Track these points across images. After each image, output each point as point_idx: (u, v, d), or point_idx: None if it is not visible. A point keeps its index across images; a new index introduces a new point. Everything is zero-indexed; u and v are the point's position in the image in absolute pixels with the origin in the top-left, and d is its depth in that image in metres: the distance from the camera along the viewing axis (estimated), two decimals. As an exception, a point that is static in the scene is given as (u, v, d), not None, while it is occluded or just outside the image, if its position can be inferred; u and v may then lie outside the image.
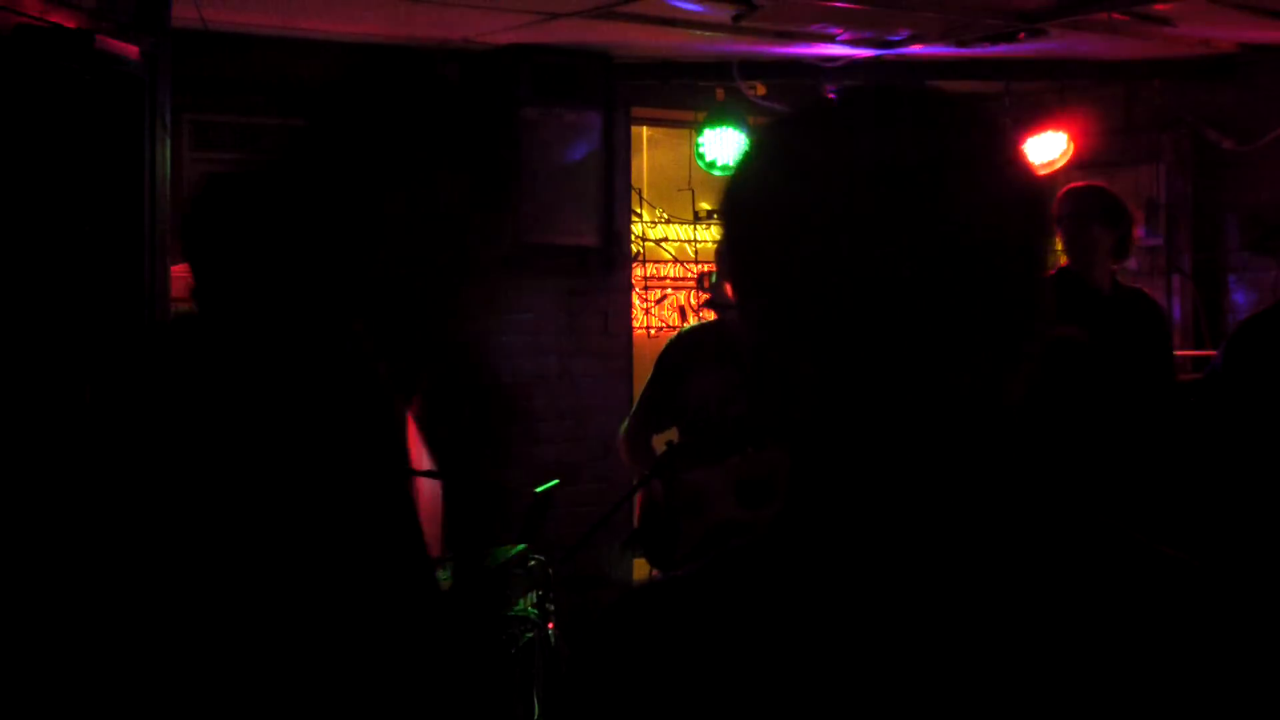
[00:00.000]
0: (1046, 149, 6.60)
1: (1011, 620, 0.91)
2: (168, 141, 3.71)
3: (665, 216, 7.45)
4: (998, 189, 0.96)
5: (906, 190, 0.93)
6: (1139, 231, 5.37)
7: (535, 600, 4.50)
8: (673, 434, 4.40)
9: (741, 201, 1.00)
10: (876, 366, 0.94)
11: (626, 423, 4.45)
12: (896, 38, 5.99)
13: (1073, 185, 5.03)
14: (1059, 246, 5.14)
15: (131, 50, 3.54)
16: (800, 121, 1.02)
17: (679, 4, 5.32)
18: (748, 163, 1.02)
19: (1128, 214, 4.83)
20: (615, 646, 0.97)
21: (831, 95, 1.04)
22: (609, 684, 0.96)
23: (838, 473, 0.96)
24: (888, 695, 0.90)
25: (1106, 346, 4.43)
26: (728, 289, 4.25)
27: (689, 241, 7.49)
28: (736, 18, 5.43)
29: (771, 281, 0.97)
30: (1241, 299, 6.47)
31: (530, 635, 4.27)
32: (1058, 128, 6.57)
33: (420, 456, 6.07)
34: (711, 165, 6.62)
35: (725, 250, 1.02)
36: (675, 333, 4.73)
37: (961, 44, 5.96)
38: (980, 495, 0.95)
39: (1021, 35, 5.73)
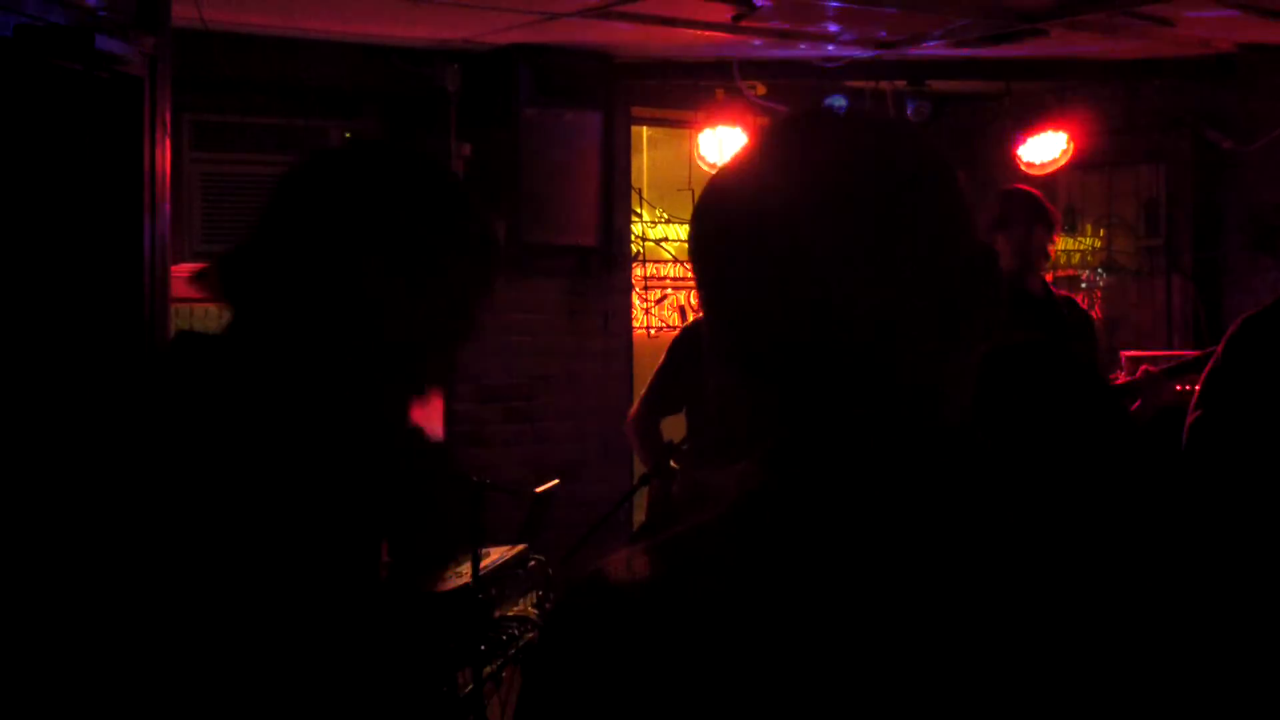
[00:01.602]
0: (1046, 149, 6.60)
1: (950, 575, 0.95)
2: (168, 141, 3.71)
3: (665, 216, 7.45)
4: (946, 210, 0.99)
5: (861, 214, 0.96)
6: (1056, 241, 5.37)
7: (535, 600, 4.51)
8: (677, 426, 4.40)
9: (704, 225, 1.05)
10: (828, 381, 0.97)
11: (635, 407, 4.45)
12: (897, 38, 5.99)
13: (1011, 188, 5.01)
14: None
15: (131, 50, 3.54)
16: (756, 149, 1.06)
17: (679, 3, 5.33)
18: (712, 189, 1.06)
19: (1058, 217, 4.89)
20: (594, 621, 0.99)
21: (787, 116, 1.09)
22: (586, 659, 0.97)
23: (797, 470, 0.99)
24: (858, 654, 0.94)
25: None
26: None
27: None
28: (736, 18, 5.43)
29: (730, 304, 1.01)
30: (1241, 299, 6.47)
31: (530, 635, 4.27)
32: (1058, 128, 6.57)
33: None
34: (712, 166, 6.62)
35: (696, 275, 1.07)
36: (685, 326, 4.74)
37: (961, 44, 5.96)
38: (919, 493, 0.98)
39: (1025, 38, 5.73)
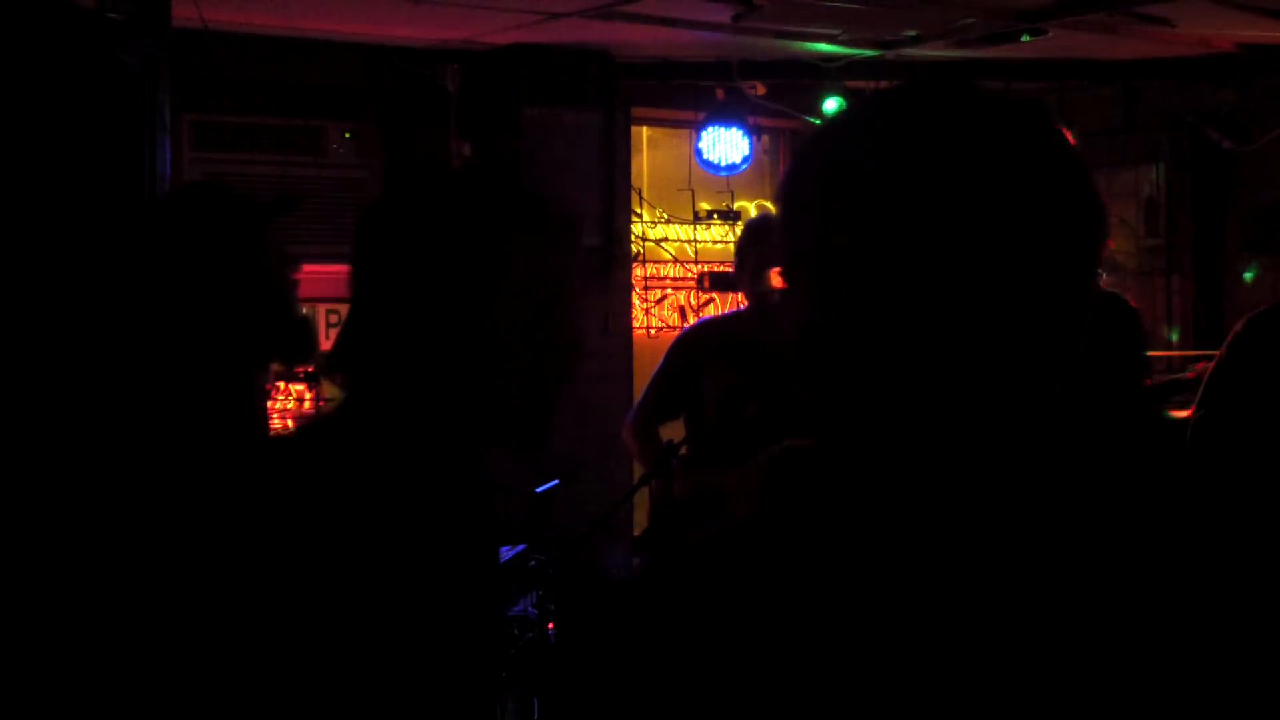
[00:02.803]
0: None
1: (1028, 569, 0.95)
2: (168, 141, 3.71)
3: (665, 216, 7.45)
4: (1056, 186, 0.98)
5: (970, 184, 0.94)
6: (1111, 244, 5.38)
7: (535, 600, 4.50)
8: (677, 426, 4.39)
9: (804, 190, 1.02)
10: (931, 355, 0.96)
11: (634, 411, 4.43)
12: (897, 38, 5.99)
13: None
14: None
15: (131, 50, 3.54)
16: (870, 112, 1.03)
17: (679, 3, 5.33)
18: (810, 154, 1.03)
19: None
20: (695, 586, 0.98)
21: (896, 87, 1.04)
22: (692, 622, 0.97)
23: (877, 455, 0.98)
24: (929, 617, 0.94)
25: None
26: (773, 276, 4.24)
27: (689, 241, 7.49)
28: (736, 18, 5.43)
29: (832, 268, 0.98)
30: (1241, 299, 6.47)
31: (530, 635, 4.27)
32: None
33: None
34: (712, 165, 6.63)
35: (783, 236, 1.03)
36: (676, 333, 4.71)
37: (961, 44, 5.96)
38: (1009, 480, 0.98)
39: (1022, 35, 5.73)
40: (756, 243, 4.12)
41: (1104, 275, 7.19)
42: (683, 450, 4.11)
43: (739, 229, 6.64)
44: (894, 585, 0.94)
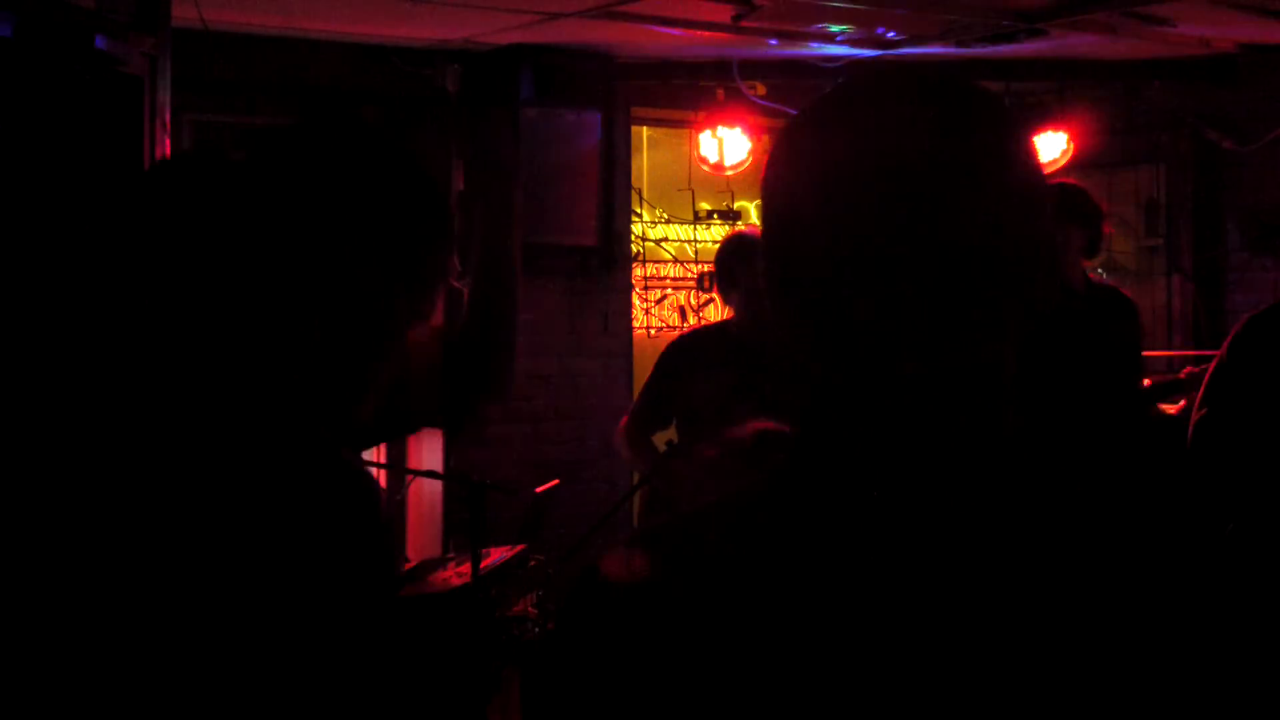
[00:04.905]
0: (1046, 149, 6.60)
1: (987, 562, 0.96)
2: (168, 141, 3.71)
3: (665, 216, 7.45)
4: (1006, 186, 0.98)
5: (916, 190, 0.95)
6: (1109, 229, 5.34)
7: (535, 600, 4.51)
8: (674, 431, 4.40)
9: (767, 200, 1.04)
10: (880, 359, 0.97)
11: (626, 418, 4.45)
12: (896, 38, 5.99)
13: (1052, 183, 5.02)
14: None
15: (131, 50, 3.54)
16: (820, 117, 1.04)
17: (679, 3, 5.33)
18: (773, 162, 1.04)
19: (1099, 212, 4.77)
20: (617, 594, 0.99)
21: (848, 83, 1.05)
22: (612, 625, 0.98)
23: (838, 454, 1.00)
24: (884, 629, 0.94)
25: (1079, 345, 4.44)
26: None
27: (689, 241, 7.49)
28: (736, 18, 5.43)
29: (790, 279, 1.00)
30: (1241, 299, 6.47)
31: (530, 635, 4.27)
32: (1058, 128, 6.57)
33: (421, 455, 6.06)
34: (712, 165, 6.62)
35: (763, 247, 1.05)
36: (677, 333, 4.72)
37: (961, 44, 5.96)
38: (960, 474, 0.98)
39: (1021, 35, 5.73)
40: (746, 260, 4.12)
41: (1103, 275, 7.21)
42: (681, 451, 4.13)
43: (740, 228, 6.64)
44: (878, 581, 0.95)
